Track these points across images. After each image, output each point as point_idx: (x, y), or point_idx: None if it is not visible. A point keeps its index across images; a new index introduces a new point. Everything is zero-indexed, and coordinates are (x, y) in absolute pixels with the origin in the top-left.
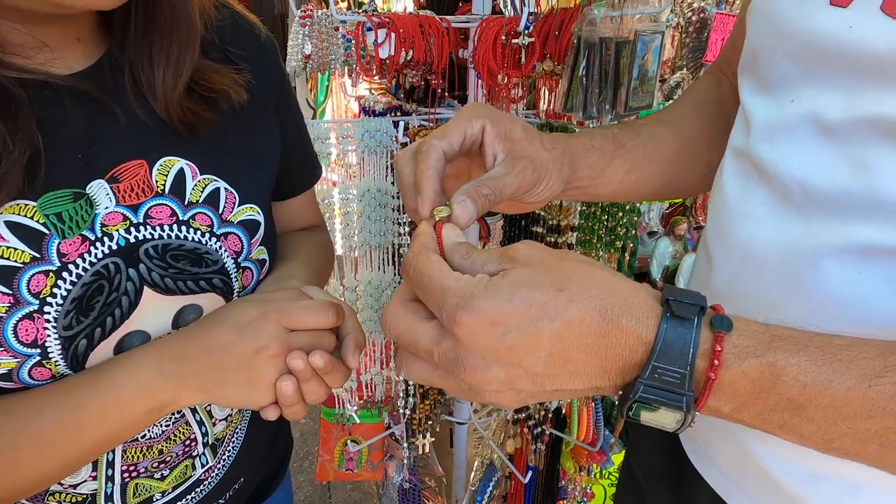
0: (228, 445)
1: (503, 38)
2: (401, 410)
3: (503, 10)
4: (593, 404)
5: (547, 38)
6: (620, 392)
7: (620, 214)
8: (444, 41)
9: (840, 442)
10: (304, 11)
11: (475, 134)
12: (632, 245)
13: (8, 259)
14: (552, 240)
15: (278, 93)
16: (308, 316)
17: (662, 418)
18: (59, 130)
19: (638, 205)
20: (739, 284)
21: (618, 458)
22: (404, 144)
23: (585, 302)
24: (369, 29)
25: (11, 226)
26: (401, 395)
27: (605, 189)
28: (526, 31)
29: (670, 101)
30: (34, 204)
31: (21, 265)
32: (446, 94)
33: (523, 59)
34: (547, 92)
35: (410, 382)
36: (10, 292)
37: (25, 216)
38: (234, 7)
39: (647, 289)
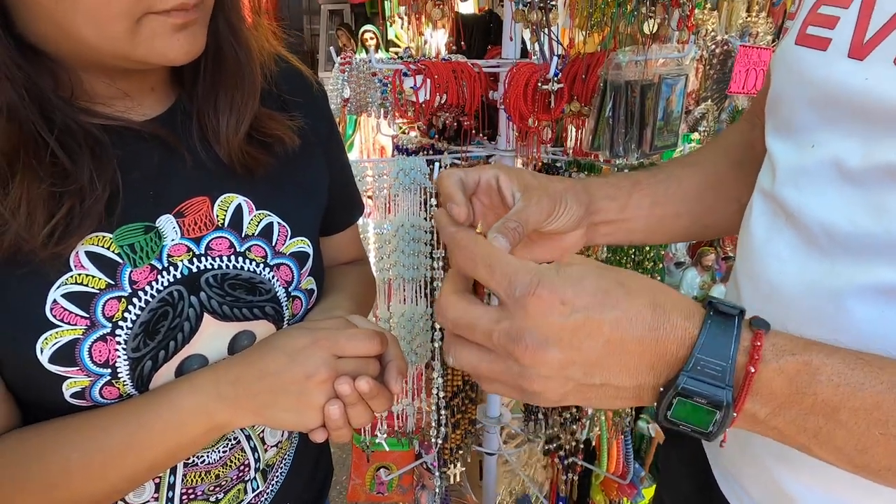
0: (277, 471)
1: (537, 82)
2: (433, 440)
3: (533, 55)
4: (622, 437)
5: (574, 81)
6: (661, 389)
7: (647, 248)
8: (475, 85)
9: (873, 452)
10: (344, 58)
11: (489, 178)
12: (658, 277)
13: (87, 286)
14: None
15: (327, 137)
16: (355, 344)
17: (700, 418)
18: (134, 170)
19: None
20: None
21: (648, 492)
22: None
23: (642, 296)
24: (406, 74)
25: (91, 255)
26: (433, 424)
27: (635, 224)
28: (555, 78)
29: (695, 133)
30: (110, 236)
31: (98, 291)
32: (477, 133)
33: (552, 104)
34: (574, 130)
35: (443, 412)
36: (88, 316)
37: (103, 247)
38: (291, 60)
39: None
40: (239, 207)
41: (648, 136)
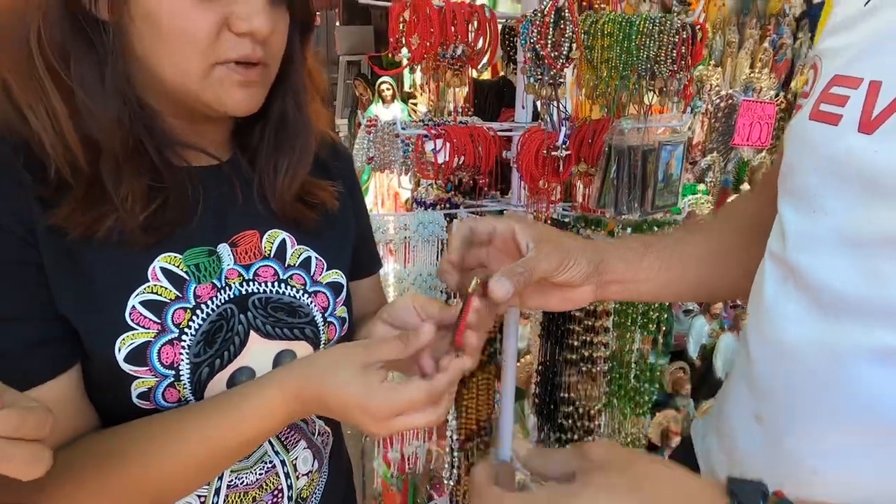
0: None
1: (544, 150)
2: (445, 481)
3: (542, 120)
4: None
5: (581, 145)
6: None
7: None
8: (491, 147)
9: None
10: (370, 121)
11: (504, 229)
12: (665, 327)
13: (160, 295)
14: (590, 323)
15: (353, 191)
16: (409, 403)
17: None
18: (200, 203)
19: None
20: (776, 378)
21: None
22: None
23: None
24: (427, 137)
25: (164, 271)
26: (446, 466)
27: (645, 286)
28: (563, 146)
29: (701, 184)
30: (180, 256)
31: (168, 301)
32: (491, 188)
33: (561, 168)
34: (582, 187)
35: (456, 454)
36: (159, 322)
37: (173, 265)
38: (329, 133)
39: (711, 484)
40: (283, 242)
41: (650, 196)
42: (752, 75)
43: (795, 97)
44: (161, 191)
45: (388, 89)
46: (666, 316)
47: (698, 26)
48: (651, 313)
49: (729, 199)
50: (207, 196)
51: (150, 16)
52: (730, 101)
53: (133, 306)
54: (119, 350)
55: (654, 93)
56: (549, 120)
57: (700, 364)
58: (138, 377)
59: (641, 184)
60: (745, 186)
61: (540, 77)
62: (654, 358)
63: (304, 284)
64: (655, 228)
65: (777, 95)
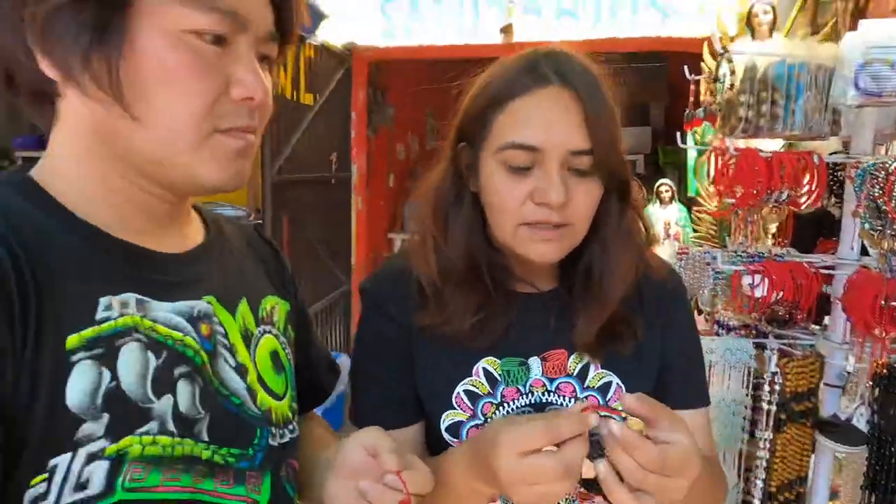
0: None
1: (882, 301)
2: None
3: (881, 269)
4: None
5: None
6: None
7: None
8: (812, 285)
9: None
10: (681, 248)
11: None
12: None
13: (477, 389)
14: None
15: (675, 321)
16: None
17: None
18: (520, 322)
19: None
20: None
21: None
22: (774, 373)
23: None
24: (744, 272)
25: (484, 371)
26: None
27: None
28: None
29: None
30: (499, 361)
31: (482, 394)
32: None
33: None
34: None
35: None
36: (473, 409)
37: (492, 367)
38: (664, 267)
39: None
40: (587, 364)
41: None
42: None
43: None
44: (488, 307)
45: (666, 191)
46: None
47: None
48: None
49: None
50: (526, 318)
51: (486, 187)
52: None
53: (458, 392)
54: (443, 422)
55: None
56: (888, 269)
57: None
58: (452, 445)
59: None
60: None
61: (880, 228)
62: None
63: (597, 406)
64: None
65: None
